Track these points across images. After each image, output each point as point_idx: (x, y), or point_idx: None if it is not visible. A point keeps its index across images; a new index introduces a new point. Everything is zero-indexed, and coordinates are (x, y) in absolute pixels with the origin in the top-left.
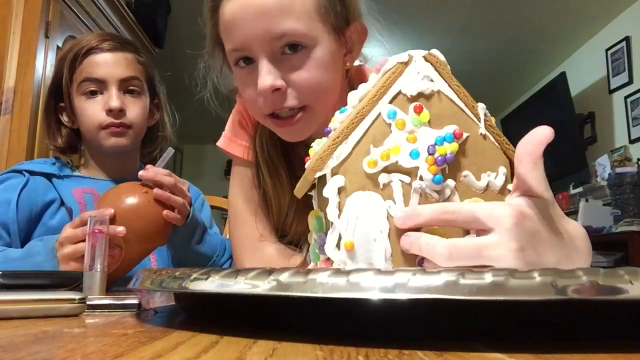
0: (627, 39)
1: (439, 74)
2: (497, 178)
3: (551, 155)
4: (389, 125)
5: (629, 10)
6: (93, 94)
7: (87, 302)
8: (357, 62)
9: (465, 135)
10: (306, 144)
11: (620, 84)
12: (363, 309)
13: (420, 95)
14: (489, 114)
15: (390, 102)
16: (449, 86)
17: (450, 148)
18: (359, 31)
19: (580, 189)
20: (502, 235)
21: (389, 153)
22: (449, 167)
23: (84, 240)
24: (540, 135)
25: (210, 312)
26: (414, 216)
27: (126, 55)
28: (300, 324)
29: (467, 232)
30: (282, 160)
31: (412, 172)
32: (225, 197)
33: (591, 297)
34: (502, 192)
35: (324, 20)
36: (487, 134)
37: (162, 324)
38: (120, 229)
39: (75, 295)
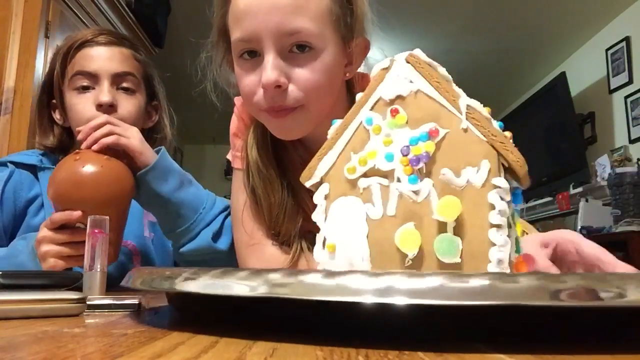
0: (627, 39)
1: (420, 74)
2: (478, 172)
3: (551, 156)
4: (368, 131)
5: (629, 10)
6: (85, 89)
7: (87, 302)
8: (363, 70)
9: (443, 132)
10: (300, 145)
11: (620, 84)
12: (358, 311)
13: (398, 97)
14: (476, 106)
15: (372, 108)
16: (429, 84)
17: (425, 147)
18: (362, 46)
19: (580, 189)
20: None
21: (366, 158)
22: (427, 166)
23: (63, 244)
24: None
25: (206, 313)
26: None
27: (122, 50)
28: (300, 324)
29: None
30: (272, 159)
31: (389, 175)
32: (226, 197)
33: (582, 304)
34: (485, 186)
35: (333, 27)
36: (470, 126)
37: (162, 324)
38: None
39: (75, 295)
